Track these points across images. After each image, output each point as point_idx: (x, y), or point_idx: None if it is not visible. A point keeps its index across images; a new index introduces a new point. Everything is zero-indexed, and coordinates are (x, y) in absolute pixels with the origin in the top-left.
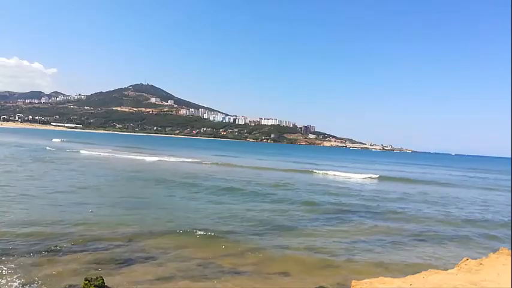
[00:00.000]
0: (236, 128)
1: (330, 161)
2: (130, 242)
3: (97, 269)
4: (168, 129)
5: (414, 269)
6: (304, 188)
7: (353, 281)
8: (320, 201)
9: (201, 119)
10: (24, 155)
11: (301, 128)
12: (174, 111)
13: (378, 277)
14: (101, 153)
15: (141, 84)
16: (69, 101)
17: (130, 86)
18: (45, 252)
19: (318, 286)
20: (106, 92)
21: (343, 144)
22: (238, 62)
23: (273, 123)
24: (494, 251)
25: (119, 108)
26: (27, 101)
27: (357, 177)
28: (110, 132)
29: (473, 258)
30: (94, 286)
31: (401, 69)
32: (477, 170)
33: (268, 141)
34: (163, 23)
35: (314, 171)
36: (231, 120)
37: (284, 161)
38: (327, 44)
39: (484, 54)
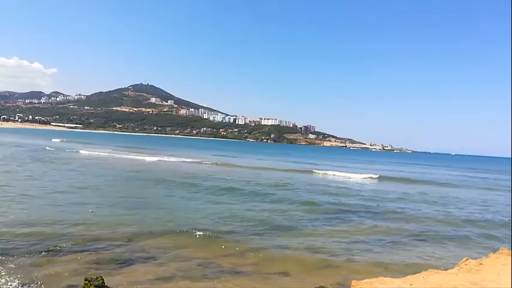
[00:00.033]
0: (236, 128)
1: (329, 161)
2: (130, 242)
3: (97, 269)
4: (168, 129)
5: (414, 269)
6: (304, 188)
7: (353, 281)
8: (320, 201)
9: (201, 119)
10: (24, 155)
11: (301, 128)
12: (174, 111)
13: (377, 277)
14: (101, 153)
15: (141, 84)
16: (69, 101)
17: (130, 86)
18: (45, 252)
19: (317, 286)
20: (106, 92)
21: (343, 144)
22: (238, 62)
23: (273, 123)
24: (494, 251)
25: (118, 108)
26: (27, 101)
27: (356, 177)
28: (110, 132)
29: (473, 258)
30: (94, 286)
31: (401, 69)
32: (477, 170)
33: (268, 141)
34: (163, 23)
35: (314, 171)
36: (231, 120)
37: (284, 161)
38: (327, 44)
39: (484, 54)
